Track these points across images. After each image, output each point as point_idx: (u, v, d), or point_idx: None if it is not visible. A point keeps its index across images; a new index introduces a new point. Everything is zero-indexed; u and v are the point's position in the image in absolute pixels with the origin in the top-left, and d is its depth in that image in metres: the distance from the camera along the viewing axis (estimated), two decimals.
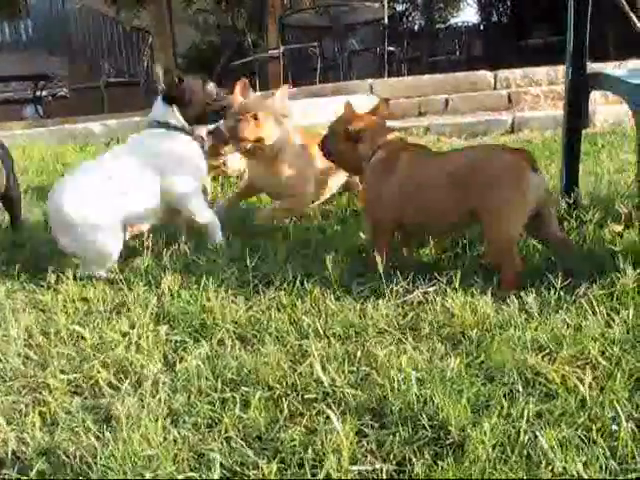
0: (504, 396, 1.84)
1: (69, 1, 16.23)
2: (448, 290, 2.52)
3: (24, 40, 15.95)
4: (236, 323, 2.42)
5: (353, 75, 11.54)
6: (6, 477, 1.71)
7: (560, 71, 7.96)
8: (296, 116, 4.09)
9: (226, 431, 1.79)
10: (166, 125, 3.28)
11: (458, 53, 16.45)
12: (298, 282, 2.68)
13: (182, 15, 14.60)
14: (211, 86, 3.44)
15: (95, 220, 2.98)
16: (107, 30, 15.38)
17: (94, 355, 2.26)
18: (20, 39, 15.99)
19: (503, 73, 8.50)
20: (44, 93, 12.38)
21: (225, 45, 14.21)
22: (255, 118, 3.47)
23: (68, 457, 1.74)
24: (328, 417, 1.79)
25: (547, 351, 2.07)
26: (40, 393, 2.07)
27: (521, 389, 1.87)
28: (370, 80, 9.06)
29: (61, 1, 16.32)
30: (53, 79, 12.72)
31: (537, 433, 1.62)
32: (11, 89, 12.60)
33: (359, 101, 8.07)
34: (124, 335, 2.36)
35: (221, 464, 1.65)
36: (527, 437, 1.64)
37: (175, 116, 3.29)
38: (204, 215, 3.37)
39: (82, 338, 2.38)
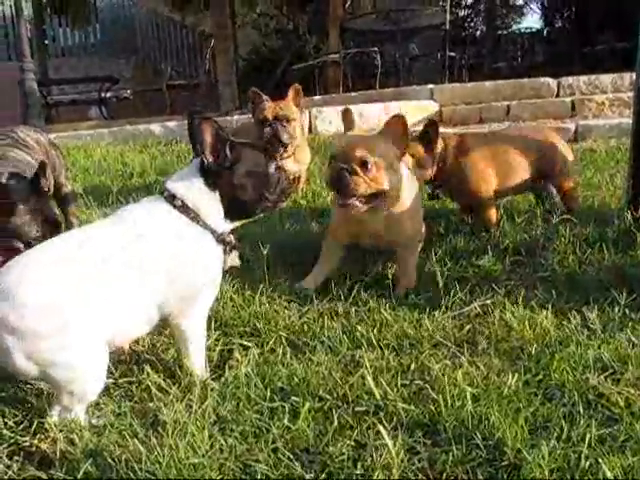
0: (564, 417, 1.76)
1: (135, 6, 16.57)
2: (507, 303, 2.44)
3: (91, 44, 16.34)
4: (288, 330, 2.38)
5: (413, 80, 11.44)
6: (54, 477, 1.71)
7: (626, 78, 7.74)
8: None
9: (274, 442, 1.75)
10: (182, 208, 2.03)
11: (520, 59, 16.20)
12: (354, 291, 2.63)
13: (244, 19, 14.74)
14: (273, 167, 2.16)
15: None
16: (170, 34, 15.63)
17: (145, 358, 2.25)
18: (88, 43, 16.38)
19: (567, 80, 8.30)
20: (109, 95, 12.63)
21: (286, 49, 14.27)
22: (364, 166, 2.54)
23: (114, 460, 1.72)
24: (378, 432, 1.74)
25: (611, 371, 1.98)
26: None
27: (582, 411, 1.79)
28: (430, 86, 8.95)
29: (128, 7, 16.68)
30: (118, 81, 12.98)
31: (599, 459, 1.54)
32: (78, 91, 12.88)
33: (419, 107, 8.01)
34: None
35: (267, 476, 1.62)
36: (588, 463, 1.55)
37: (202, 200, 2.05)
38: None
39: (134, 341, 2.37)
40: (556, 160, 3.56)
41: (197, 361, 2.11)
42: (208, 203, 2.04)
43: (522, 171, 3.46)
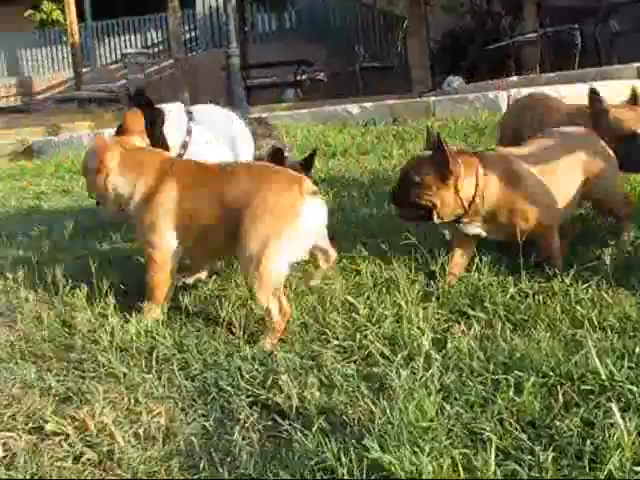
0: None
1: None
2: None
3: (287, 29, 16.93)
4: (507, 306, 2.39)
5: (615, 59, 10.81)
6: (288, 428, 1.85)
7: None
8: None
9: (499, 413, 1.79)
10: None
11: None
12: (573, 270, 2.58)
13: (437, 0, 14.61)
14: None
15: None
16: (363, 17, 15.81)
17: (365, 326, 2.36)
18: (284, 28, 16.99)
19: None
20: (304, 77, 13.05)
21: (479, 30, 13.98)
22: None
23: (346, 418, 1.83)
24: (607, 411, 1.72)
25: None
26: (317, 357, 2.21)
27: None
28: (637, 64, 8.41)
29: None
30: (312, 64, 13.36)
31: None
32: (275, 74, 13.42)
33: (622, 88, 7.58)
34: (395, 309, 2.43)
35: (496, 445, 1.65)
36: None
37: None
38: None
39: (354, 309, 2.49)
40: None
41: None
42: None
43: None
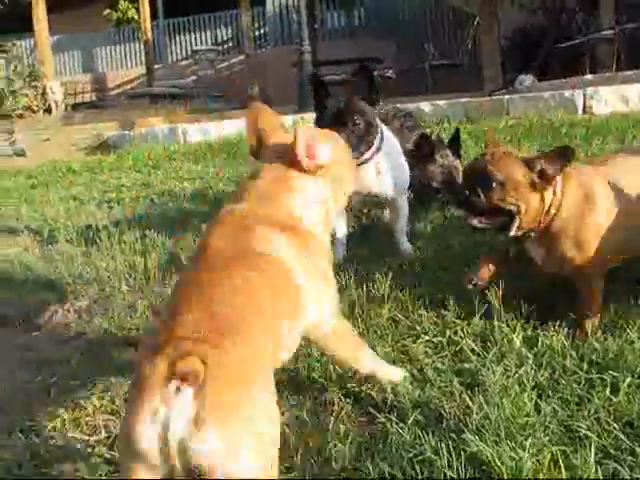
0: None
1: None
2: None
3: (356, 26, 16.96)
4: None
5: None
6: (384, 420, 1.88)
7: None
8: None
9: (596, 412, 1.79)
10: None
11: None
12: None
13: None
14: None
15: None
16: (432, 13, 15.73)
17: (455, 322, 2.38)
18: (353, 25, 17.03)
19: None
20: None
21: (552, 27, 13.73)
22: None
23: (442, 412, 1.86)
24: None
25: None
26: (408, 352, 2.24)
27: None
28: None
29: None
30: (382, 62, 13.35)
31: None
32: (345, 71, 13.46)
33: None
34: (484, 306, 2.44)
35: (592, 442, 1.66)
36: None
37: None
38: None
39: (444, 306, 2.51)
40: None
41: None
42: None
43: None
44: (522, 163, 2.31)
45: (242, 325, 1.48)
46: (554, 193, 2.31)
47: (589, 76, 9.32)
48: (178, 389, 1.31)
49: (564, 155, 2.28)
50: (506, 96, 7.76)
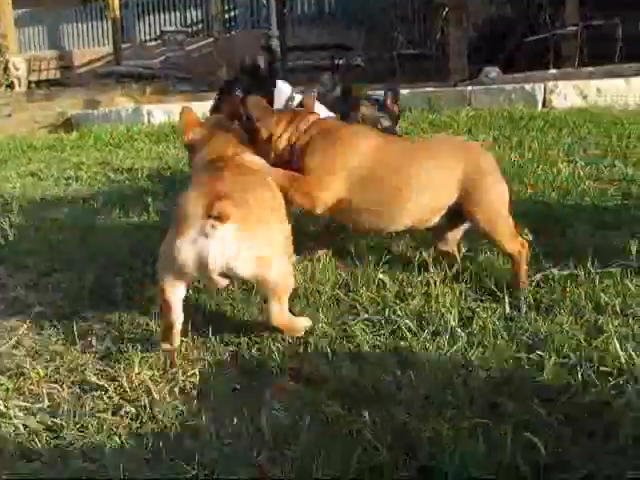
0: None
1: None
2: None
3: (326, 12, 16.94)
4: (531, 291, 2.47)
5: None
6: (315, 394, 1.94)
7: None
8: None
9: (519, 388, 1.87)
10: None
11: None
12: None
13: None
14: None
15: None
16: (402, 3, 15.77)
17: (395, 302, 2.45)
18: (323, 12, 17.00)
19: None
20: (341, 62, 13.10)
21: (519, 20, 13.87)
22: None
23: (378, 386, 1.93)
24: (622, 392, 1.80)
25: None
26: (347, 329, 2.30)
27: None
28: None
29: None
30: (350, 49, 13.39)
31: None
32: (312, 57, 13.48)
33: None
34: (423, 288, 2.51)
35: (512, 416, 1.74)
36: None
37: None
38: None
39: (384, 286, 2.58)
40: None
41: None
42: None
43: None
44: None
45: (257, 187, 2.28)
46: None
47: (553, 71, 9.46)
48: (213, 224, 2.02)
49: None
50: (469, 87, 7.86)
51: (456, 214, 2.59)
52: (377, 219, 2.55)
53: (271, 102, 3.29)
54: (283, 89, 3.45)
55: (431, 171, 2.54)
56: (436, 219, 2.61)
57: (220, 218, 2.01)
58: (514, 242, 2.55)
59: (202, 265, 2.07)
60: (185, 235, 2.06)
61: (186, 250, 2.06)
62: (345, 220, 2.66)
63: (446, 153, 2.62)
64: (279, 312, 2.20)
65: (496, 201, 2.55)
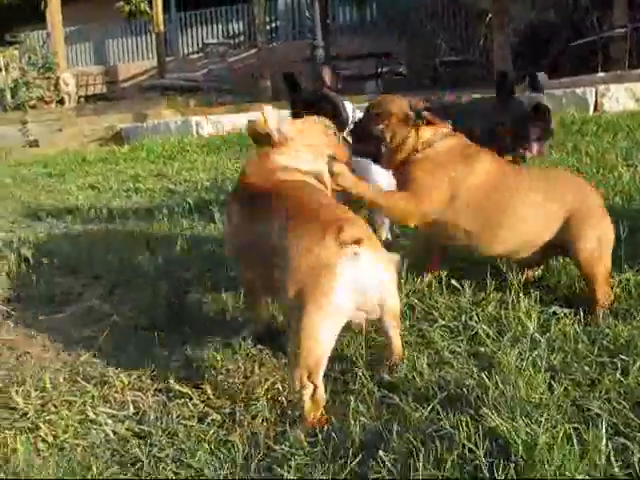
0: None
1: None
2: None
3: (368, 21, 16.98)
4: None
5: None
6: (399, 402, 1.96)
7: None
8: None
9: (607, 392, 1.87)
10: None
11: None
12: None
13: None
14: None
15: None
16: (445, 10, 15.74)
17: (470, 309, 2.46)
18: (365, 20, 17.05)
19: None
20: (385, 70, 13.14)
21: (564, 25, 13.74)
22: None
23: (462, 390, 1.94)
24: None
25: None
26: (425, 335, 2.33)
27: None
28: None
29: None
30: (394, 57, 13.42)
31: None
32: (356, 66, 13.54)
33: None
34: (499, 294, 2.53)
35: (602, 420, 1.74)
36: None
37: None
38: None
39: (459, 292, 2.59)
40: None
41: None
42: None
43: None
44: (398, 101, 2.66)
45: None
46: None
47: (601, 74, 9.35)
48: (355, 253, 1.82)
49: None
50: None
51: (552, 249, 2.56)
52: (471, 241, 2.53)
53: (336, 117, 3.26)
54: (347, 105, 3.45)
55: (536, 205, 2.49)
56: (529, 254, 2.56)
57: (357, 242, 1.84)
58: (606, 287, 2.46)
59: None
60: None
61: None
62: (439, 236, 2.63)
63: (555, 188, 2.54)
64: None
65: (600, 243, 2.47)
